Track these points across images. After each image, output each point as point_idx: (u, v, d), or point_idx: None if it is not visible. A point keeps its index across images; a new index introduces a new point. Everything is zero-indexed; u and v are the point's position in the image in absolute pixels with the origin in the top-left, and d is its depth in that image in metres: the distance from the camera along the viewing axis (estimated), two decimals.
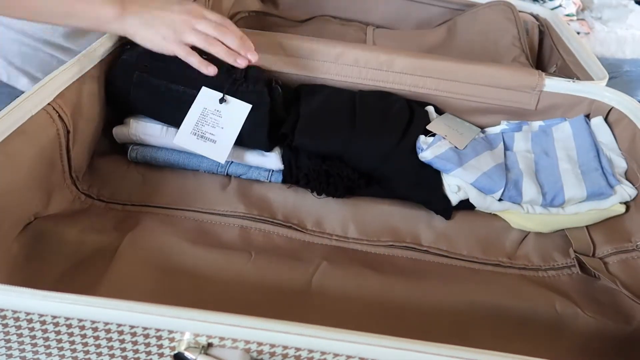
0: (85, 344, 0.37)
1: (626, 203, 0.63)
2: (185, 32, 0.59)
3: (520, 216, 0.64)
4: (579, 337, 0.52)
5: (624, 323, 0.53)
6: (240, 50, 0.60)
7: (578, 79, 0.74)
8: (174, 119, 0.63)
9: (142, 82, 0.63)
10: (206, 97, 0.63)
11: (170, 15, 0.58)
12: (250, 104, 0.63)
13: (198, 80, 0.63)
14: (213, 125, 0.62)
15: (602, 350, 0.51)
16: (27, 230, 0.53)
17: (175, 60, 0.61)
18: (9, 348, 0.38)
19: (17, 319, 0.36)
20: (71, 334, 0.37)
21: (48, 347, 0.38)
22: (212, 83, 0.64)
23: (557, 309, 0.54)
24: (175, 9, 0.59)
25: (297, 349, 0.35)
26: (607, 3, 1.19)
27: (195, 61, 0.59)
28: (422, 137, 0.66)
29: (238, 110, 0.63)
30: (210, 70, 0.59)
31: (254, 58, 0.61)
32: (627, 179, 0.64)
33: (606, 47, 1.08)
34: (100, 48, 0.64)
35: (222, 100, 0.63)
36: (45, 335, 0.37)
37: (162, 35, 0.58)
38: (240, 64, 0.60)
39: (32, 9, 0.55)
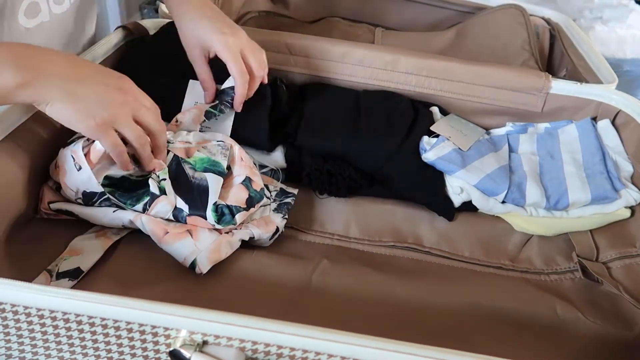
0: (83, 339, 0.38)
1: (631, 207, 0.62)
2: (122, 120, 0.46)
3: (523, 219, 0.63)
4: (579, 342, 0.51)
5: (626, 329, 0.52)
6: (158, 154, 0.52)
7: (587, 82, 0.73)
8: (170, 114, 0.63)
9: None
10: (195, 90, 0.63)
11: (105, 91, 0.45)
12: (253, 105, 0.63)
13: (188, 75, 0.64)
14: (208, 117, 0.63)
15: (603, 356, 0.51)
16: (30, 223, 0.54)
17: (169, 56, 0.61)
18: (8, 341, 0.39)
19: (15, 313, 0.36)
20: (68, 329, 0.37)
21: (46, 341, 0.38)
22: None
23: (558, 313, 0.54)
24: (111, 84, 0.46)
25: (292, 349, 0.35)
26: (608, 3, 1.18)
27: (120, 160, 0.49)
28: (425, 138, 0.66)
29: None
30: (130, 168, 0.50)
31: (159, 167, 0.53)
32: (633, 183, 0.64)
33: (606, 47, 1.08)
34: (103, 46, 0.65)
35: None
36: (44, 330, 0.37)
37: (90, 112, 0.44)
38: (151, 168, 0.52)
39: None
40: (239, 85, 0.59)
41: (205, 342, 0.36)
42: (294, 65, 0.72)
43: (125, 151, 0.48)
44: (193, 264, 0.51)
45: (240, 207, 0.54)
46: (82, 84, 0.44)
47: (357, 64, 0.71)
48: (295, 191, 0.63)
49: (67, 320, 0.36)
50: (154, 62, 0.66)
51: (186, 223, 0.54)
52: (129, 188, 0.53)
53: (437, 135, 0.67)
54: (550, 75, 0.70)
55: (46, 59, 0.43)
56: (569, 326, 0.53)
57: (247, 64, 0.58)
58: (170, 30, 0.69)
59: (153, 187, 0.52)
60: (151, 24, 0.72)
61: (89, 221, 0.54)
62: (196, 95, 0.63)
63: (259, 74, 0.60)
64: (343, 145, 0.64)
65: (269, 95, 0.64)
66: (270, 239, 0.57)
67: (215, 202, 0.53)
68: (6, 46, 0.43)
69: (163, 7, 0.79)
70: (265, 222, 0.57)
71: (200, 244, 0.52)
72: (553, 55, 0.97)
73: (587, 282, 0.58)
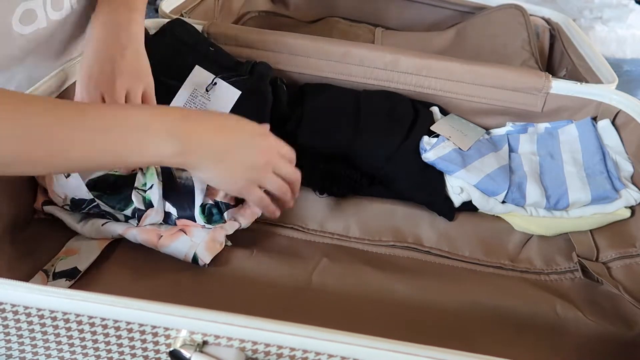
0: (83, 339, 0.38)
1: (631, 207, 0.62)
2: (264, 179, 0.50)
3: (523, 219, 0.63)
4: (579, 341, 0.51)
5: (626, 328, 0.53)
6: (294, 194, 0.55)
7: (587, 82, 0.73)
8: None
9: None
10: (198, 77, 0.63)
11: (250, 156, 0.49)
12: (254, 103, 0.63)
13: (189, 75, 0.64)
14: (200, 109, 0.62)
15: (603, 355, 0.51)
16: (27, 224, 0.54)
17: (170, 56, 0.61)
18: (8, 341, 0.39)
19: (15, 313, 0.36)
20: (69, 329, 0.37)
21: (46, 341, 0.38)
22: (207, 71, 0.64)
23: (558, 313, 0.54)
24: (261, 146, 0.49)
25: (292, 349, 0.35)
26: (608, 3, 1.18)
27: (267, 210, 0.53)
28: (425, 138, 0.66)
29: (227, 96, 0.63)
30: (277, 214, 0.54)
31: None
32: (633, 183, 0.64)
33: (606, 47, 1.08)
34: None
35: (212, 85, 0.63)
36: (44, 330, 0.37)
37: (237, 177, 0.49)
38: (290, 206, 0.55)
39: (77, 157, 0.41)
40: None
41: (205, 342, 0.36)
42: (294, 65, 0.72)
43: (270, 202, 0.52)
44: (195, 258, 0.51)
45: (230, 203, 0.54)
46: (230, 153, 0.47)
47: (357, 64, 0.71)
48: None
49: (67, 320, 0.36)
50: (155, 62, 0.65)
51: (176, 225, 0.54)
52: (114, 185, 0.53)
53: (437, 135, 0.67)
54: (550, 75, 0.70)
55: (198, 128, 0.45)
56: (569, 326, 0.53)
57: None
58: (170, 30, 0.69)
59: (138, 203, 0.52)
60: (151, 24, 0.72)
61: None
62: (198, 81, 0.63)
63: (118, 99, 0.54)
64: (343, 145, 0.64)
65: (269, 96, 0.64)
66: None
67: (202, 203, 0.53)
68: (161, 114, 0.44)
69: (163, 7, 0.79)
70: (251, 209, 0.57)
71: (196, 238, 0.53)
72: (553, 55, 0.97)
73: (587, 282, 0.58)
